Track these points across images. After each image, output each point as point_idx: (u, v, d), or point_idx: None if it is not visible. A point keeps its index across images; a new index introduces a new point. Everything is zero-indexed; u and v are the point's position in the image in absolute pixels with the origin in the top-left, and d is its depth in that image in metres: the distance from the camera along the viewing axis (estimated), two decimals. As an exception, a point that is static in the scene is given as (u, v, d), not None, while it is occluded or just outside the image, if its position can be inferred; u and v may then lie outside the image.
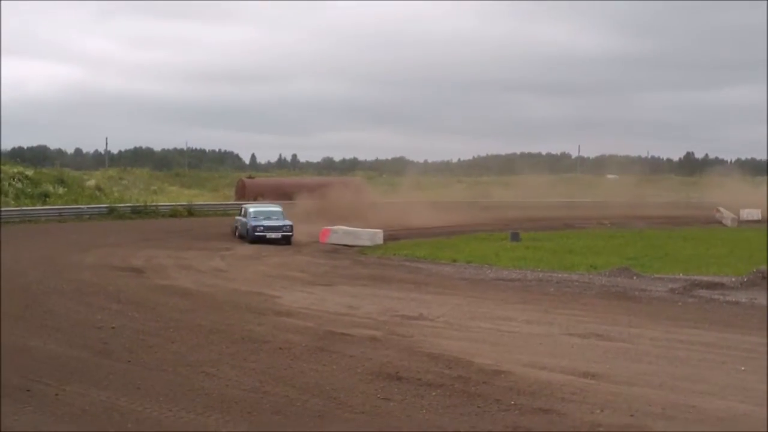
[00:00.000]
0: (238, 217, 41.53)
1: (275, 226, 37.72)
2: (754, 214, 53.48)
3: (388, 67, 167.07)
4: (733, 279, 23.03)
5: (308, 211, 46.97)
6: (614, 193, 61.09)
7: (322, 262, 29.40)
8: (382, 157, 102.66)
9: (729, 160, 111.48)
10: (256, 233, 37.27)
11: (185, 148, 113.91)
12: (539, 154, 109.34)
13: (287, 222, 38.28)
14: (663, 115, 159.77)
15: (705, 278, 23.55)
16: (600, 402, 10.88)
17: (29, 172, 58.06)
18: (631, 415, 10.21)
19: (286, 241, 37.15)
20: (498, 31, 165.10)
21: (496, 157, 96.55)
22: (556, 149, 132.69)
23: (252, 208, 40.96)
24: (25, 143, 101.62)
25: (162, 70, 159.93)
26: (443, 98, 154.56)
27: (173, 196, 66.53)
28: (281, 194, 55.76)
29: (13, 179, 55.00)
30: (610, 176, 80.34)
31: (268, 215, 39.38)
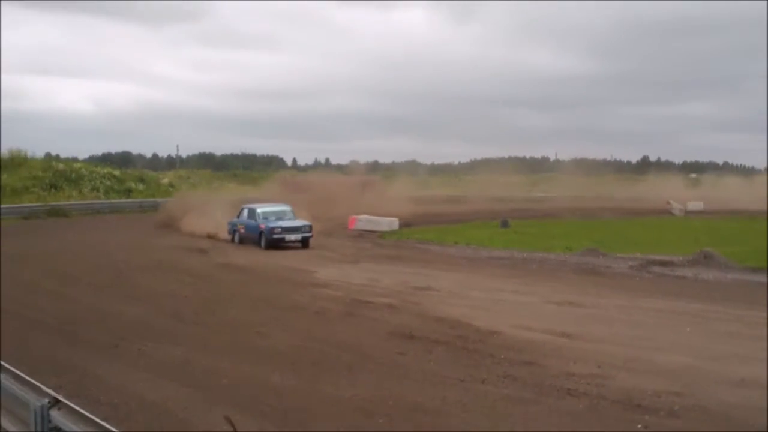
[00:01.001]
0: (235, 220, 29.33)
1: (294, 227, 27.39)
2: (698, 205, 53.06)
3: (401, 85, 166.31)
4: (681, 258, 22.87)
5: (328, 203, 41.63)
6: (585, 190, 60.69)
7: (349, 244, 29.38)
8: (398, 160, 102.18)
9: (677, 162, 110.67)
10: (274, 236, 26.79)
11: (239, 153, 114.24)
12: (524, 158, 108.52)
13: (304, 222, 28.12)
14: (628, 125, 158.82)
15: (658, 257, 23.39)
16: (573, 356, 10.88)
17: (116, 172, 58.14)
18: (598, 367, 10.20)
19: (304, 244, 27.24)
20: (493, 53, 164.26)
21: (490, 161, 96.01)
22: (538, 153, 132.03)
23: (259, 208, 28.66)
24: (113, 149, 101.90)
25: (220, 89, 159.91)
26: (448, 111, 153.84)
27: (231, 191, 66.55)
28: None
29: (104, 178, 55.14)
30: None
31: (279, 215, 28.43)
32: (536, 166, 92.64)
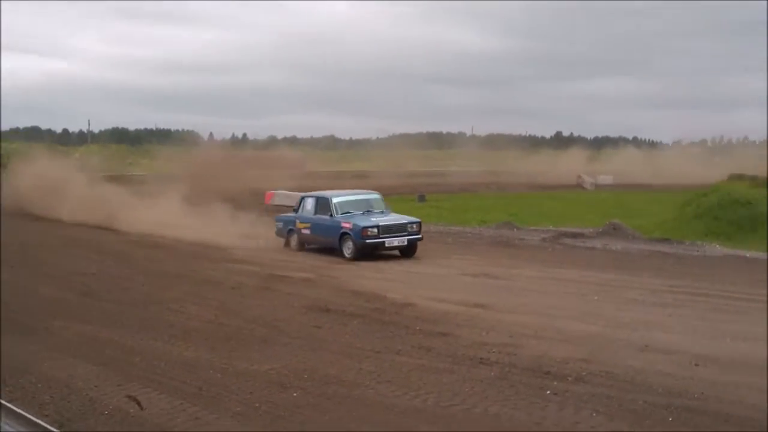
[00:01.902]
0: (290, 215, 21.19)
1: (396, 224, 18.81)
2: (607, 179, 54.51)
3: (321, 60, 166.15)
4: (591, 230, 23.46)
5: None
6: (500, 164, 61.65)
7: (265, 219, 29.06)
8: (317, 135, 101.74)
9: (588, 137, 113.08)
10: (368, 240, 18.23)
11: (154, 128, 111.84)
12: (441, 133, 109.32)
13: (410, 217, 19.53)
14: (543, 102, 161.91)
15: (569, 229, 23.94)
16: (486, 326, 11.03)
17: (24, 149, 56.43)
18: (510, 336, 10.36)
19: (410, 249, 18.96)
20: (412, 31, 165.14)
21: (407, 136, 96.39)
22: (455, 129, 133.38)
23: (335, 197, 19.69)
24: (21, 124, 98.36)
25: (135, 62, 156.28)
26: (367, 87, 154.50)
27: (145, 167, 65.15)
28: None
29: (9, 153, 53.46)
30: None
31: (365, 205, 19.69)
32: (453, 142, 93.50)
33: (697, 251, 19.66)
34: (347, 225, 18.62)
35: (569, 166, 59.93)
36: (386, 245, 18.47)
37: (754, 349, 9.57)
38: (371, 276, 15.95)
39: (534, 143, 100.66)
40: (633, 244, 20.97)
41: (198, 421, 7.28)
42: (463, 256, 19.20)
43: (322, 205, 19.71)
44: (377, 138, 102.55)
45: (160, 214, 24.85)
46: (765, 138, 77.51)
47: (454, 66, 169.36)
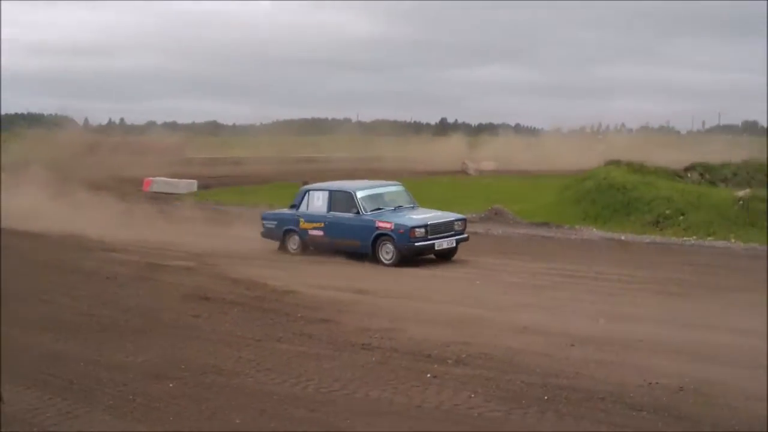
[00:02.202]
0: (284, 213, 17.85)
1: (444, 222, 16.02)
2: (490, 165, 55.57)
3: (200, 43, 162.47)
4: (474, 215, 23.87)
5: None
6: (386, 150, 62.00)
7: (145, 207, 28.32)
8: (198, 120, 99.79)
9: (473, 124, 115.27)
10: (417, 243, 15.42)
11: (25, 113, 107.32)
12: (325, 119, 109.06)
13: (454, 214, 16.84)
14: (428, 88, 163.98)
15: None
16: (368, 312, 11.09)
17: None
18: (392, 321, 10.44)
19: (451, 253, 16.26)
20: (295, 15, 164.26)
21: (291, 122, 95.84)
22: (340, 115, 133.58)
23: (359, 190, 16.57)
24: None
25: (3, 43, 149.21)
26: (250, 71, 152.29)
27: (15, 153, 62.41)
28: None
29: None
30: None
31: (391, 200, 16.86)
32: (338, 128, 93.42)
33: (575, 235, 20.34)
34: (386, 225, 15.62)
35: (452, 152, 60.83)
36: (436, 248, 15.77)
37: (628, 328, 10.00)
38: (251, 263, 15.75)
39: (418, 129, 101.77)
40: (514, 228, 21.51)
41: (68, 415, 7.07)
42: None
43: (342, 200, 16.52)
44: (261, 124, 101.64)
45: (20, 204, 23.47)
46: (640, 125, 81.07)
47: (339, 51, 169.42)
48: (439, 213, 16.59)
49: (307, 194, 17.41)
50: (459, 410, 7.03)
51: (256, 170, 45.87)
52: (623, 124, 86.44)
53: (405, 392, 7.52)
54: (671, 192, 22.18)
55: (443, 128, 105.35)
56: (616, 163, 28.74)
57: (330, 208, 16.64)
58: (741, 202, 20.35)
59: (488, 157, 58.61)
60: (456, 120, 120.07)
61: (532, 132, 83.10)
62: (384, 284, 13.33)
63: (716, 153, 36.41)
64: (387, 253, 15.58)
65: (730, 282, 13.72)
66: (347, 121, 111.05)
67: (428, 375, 8.02)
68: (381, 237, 15.66)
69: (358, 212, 16.08)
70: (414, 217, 15.97)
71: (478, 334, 9.72)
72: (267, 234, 17.95)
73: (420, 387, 7.66)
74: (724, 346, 8.99)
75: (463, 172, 53.45)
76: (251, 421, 6.88)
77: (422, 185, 40.06)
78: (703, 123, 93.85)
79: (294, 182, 39.42)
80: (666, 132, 79.52)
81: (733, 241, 18.26)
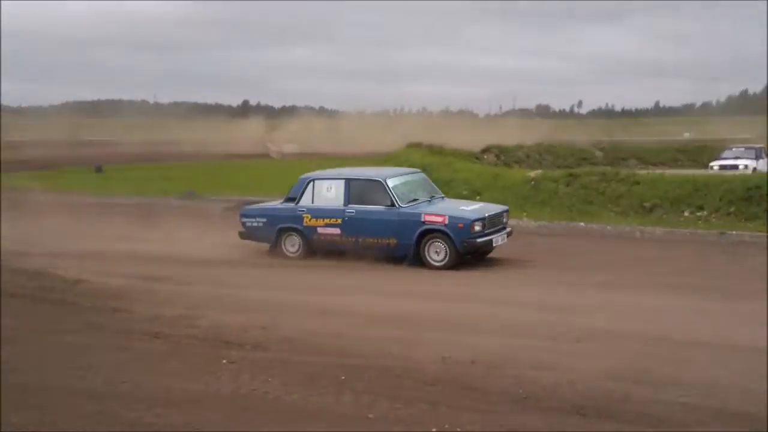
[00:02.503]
0: (277, 207, 14.92)
1: (495, 214, 13.83)
2: (293, 147, 55.73)
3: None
4: (270, 198, 23.77)
5: None
6: (184, 133, 60.57)
7: None
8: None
9: (276, 106, 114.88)
10: (478, 239, 13.05)
11: None
12: (121, 100, 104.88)
13: (499, 206, 14.83)
14: (230, 69, 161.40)
15: (254, 198, 24.05)
16: (162, 300, 10.76)
17: None
18: (187, 308, 10.20)
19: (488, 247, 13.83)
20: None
21: (83, 103, 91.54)
22: (137, 96, 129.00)
23: (390, 179, 13.83)
24: None
25: None
26: (36, 51, 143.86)
27: None
28: None
29: None
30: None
31: (418, 188, 14.46)
32: (132, 109, 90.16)
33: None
34: (437, 219, 13.17)
35: (253, 134, 60.48)
36: (493, 245, 13.66)
37: (418, 305, 10.36)
38: (39, 252, 14.82)
39: (220, 112, 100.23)
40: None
41: None
42: (144, 228, 18.49)
43: (366, 190, 13.88)
44: (50, 105, 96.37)
45: None
46: (440, 109, 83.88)
47: (133, 30, 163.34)
48: (482, 205, 14.82)
49: (311, 184, 14.51)
50: (255, 395, 6.95)
51: (44, 155, 43.54)
52: (425, 108, 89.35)
53: (200, 379, 7.33)
54: (469, 173, 23.18)
55: (245, 110, 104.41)
56: (417, 145, 29.62)
57: (348, 200, 13.95)
58: (533, 182, 21.60)
59: (289, 139, 58.71)
60: (259, 102, 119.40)
61: (334, 115, 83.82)
62: (179, 271, 12.89)
63: (511, 136, 38.40)
64: (437, 253, 13.16)
65: (524, 257, 14.37)
66: (144, 103, 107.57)
67: (224, 361, 7.89)
68: (429, 233, 13.20)
69: (392, 204, 13.56)
70: (465, 209, 13.86)
71: (278, 317, 9.67)
72: (249, 234, 15.19)
73: (216, 374, 7.49)
74: (512, 320, 9.49)
75: (267, 155, 53.32)
76: (32, 419, 6.46)
77: (222, 169, 39.59)
78: (500, 107, 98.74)
79: (86, 167, 37.88)
80: (465, 115, 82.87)
81: (525, 218, 19.29)
